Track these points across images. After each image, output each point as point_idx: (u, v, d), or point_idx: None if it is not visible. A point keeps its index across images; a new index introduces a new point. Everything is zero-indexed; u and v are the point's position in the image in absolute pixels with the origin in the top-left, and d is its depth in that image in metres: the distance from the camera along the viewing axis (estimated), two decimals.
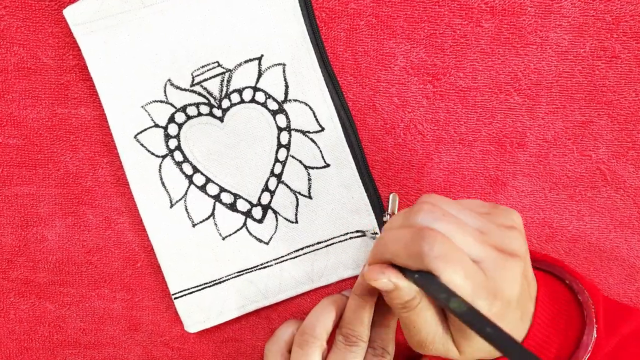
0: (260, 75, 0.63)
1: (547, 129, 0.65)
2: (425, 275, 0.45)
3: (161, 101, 0.63)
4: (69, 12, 0.62)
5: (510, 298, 0.47)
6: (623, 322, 0.55)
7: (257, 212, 0.65)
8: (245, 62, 0.63)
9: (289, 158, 0.64)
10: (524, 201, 0.66)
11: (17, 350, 0.69)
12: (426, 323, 0.49)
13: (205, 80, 0.63)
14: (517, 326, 0.49)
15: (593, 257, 0.66)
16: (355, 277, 0.67)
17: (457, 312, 0.43)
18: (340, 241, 0.66)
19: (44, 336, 0.68)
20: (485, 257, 0.47)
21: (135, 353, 0.69)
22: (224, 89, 0.63)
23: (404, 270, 0.48)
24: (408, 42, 0.64)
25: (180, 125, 0.64)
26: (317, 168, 0.65)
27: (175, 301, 0.66)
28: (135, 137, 0.64)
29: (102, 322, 0.68)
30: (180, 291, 0.66)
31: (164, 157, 0.64)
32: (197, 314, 0.66)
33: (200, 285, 0.66)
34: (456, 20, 0.64)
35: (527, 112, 0.65)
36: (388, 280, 0.47)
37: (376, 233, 0.65)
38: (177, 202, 0.65)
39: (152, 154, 0.64)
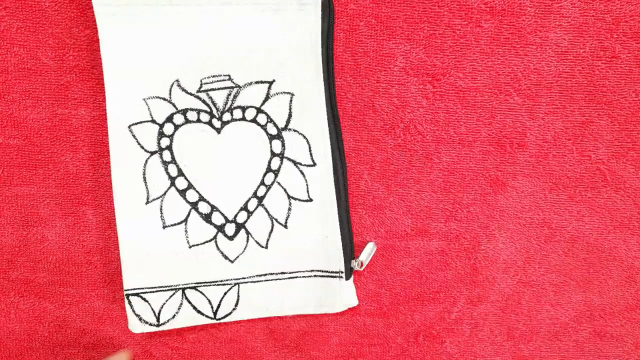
0: (267, 98, 0.63)
1: (547, 129, 0.65)
2: None
3: (164, 99, 0.63)
4: None
5: None
6: None
7: (230, 229, 0.64)
8: (256, 82, 0.63)
9: (275, 184, 0.64)
10: (523, 201, 0.66)
11: (17, 350, 0.69)
12: None
13: (212, 90, 0.63)
14: None
15: (592, 258, 0.66)
16: (313, 315, 0.68)
17: None
18: (304, 277, 0.66)
19: (44, 336, 0.69)
20: None
21: (134, 352, 0.69)
22: (229, 102, 0.63)
23: None
24: (408, 43, 0.64)
25: (177, 127, 0.63)
26: (299, 200, 0.65)
27: (126, 298, 0.65)
28: (129, 127, 0.63)
29: (102, 322, 0.68)
30: (134, 289, 0.65)
31: (152, 153, 0.63)
32: (147, 316, 0.65)
33: (156, 288, 0.65)
34: (456, 20, 0.64)
35: (527, 112, 0.65)
36: None
37: (342, 277, 0.65)
38: (153, 200, 0.64)
39: (142, 147, 0.63)
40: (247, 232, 0.65)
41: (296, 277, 0.66)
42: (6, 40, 0.64)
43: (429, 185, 0.66)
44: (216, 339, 0.69)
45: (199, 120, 0.63)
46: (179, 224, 0.64)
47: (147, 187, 0.64)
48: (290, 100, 0.64)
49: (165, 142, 0.63)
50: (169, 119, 0.63)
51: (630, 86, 0.64)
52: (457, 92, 0.65)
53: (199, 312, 0.65)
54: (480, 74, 0.64)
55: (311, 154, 0.64)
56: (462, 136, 0.65)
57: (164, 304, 0.65)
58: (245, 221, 0.64)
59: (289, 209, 0.65)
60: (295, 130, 0.64)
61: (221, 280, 0.65)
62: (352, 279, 0.66)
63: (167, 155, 0.63)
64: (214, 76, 0.63)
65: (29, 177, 0.66)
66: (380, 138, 0.66)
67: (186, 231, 0.64)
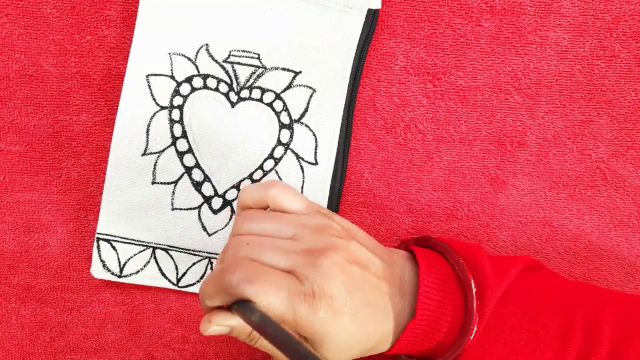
0: (289, 87, 0.64)
1: (547, 128, 0.65)
2: (241, 303, 0.46)
3: (189, 59, 0.63)
4: None
5: (331, 291, 0.47)
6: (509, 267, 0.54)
7: (216, 203, 0.65)
8: (283, 69, 0.63)
9: (272, 172, 0.64)
10: (524, 200, 0.66)
11: (19, 356, 0.68)
12: None
13: (239, 64, 0.63)
14: (396, 304, 0.50)
15: (593, 256, 0.67)
16: None
17: (255, 325, 0.43)
18: None
19: (45, 342, 0.68)
20: (295, 264, 0.47)
21: (137, 356, 0.69)
22: (251, 81, 0.63)
23: (230, 307, 0.48)
24: (408, 42, 0.64)
25: (193, 89, 0.63)
26: None
27: (96, 241, 0.65)
28: (147, 76, 0.63)
29: (104, 327, 0.68)
30: (107, 234, 0.65)
31: (162, 108, 0.63)
32: (111, 264, 0.65)
33: (128, 239, 0.65)
34: (456, 19, 0.64)
35: (527, 112, 0.65)
36: (217, 326, 0.48)
37: None
38: (150, 153, 0.64)
39: (154, 99, 0.63)
40: (233, 211, 0.65)
41: None
42: (8, 47, 0.63)
43: (430, 184, 0.66)
44: (218, 339, 0.69)
45: (217, 90, 0.63)
46: (168, 183, 0.64)
47: (147, 140, 0.64)
48: (311, 96, 0.64)
49: (178, 100, 0.63)
50: (189, 79, 0.63)
51: (629, 85, 0.64)
52: (458, 91, 0.65)
53: (163, 274, 0.66)
54: (480, 73, 0.65)
55: (316, 153, 0.64)
56: (462, 135, 0.65)
57: (132, 257, 0.65)
58: (234, 199, 0.65)
59: None
60: (307, 126, 0.64)
61: (194, 250, 0.65)
62: None
63: (176, 114, 0.63)
64: (243, 51, 0.63)
65: (30, 183, 0.65)
66: (381, 137, 0.66)
67: (173, 193, 0.64)
